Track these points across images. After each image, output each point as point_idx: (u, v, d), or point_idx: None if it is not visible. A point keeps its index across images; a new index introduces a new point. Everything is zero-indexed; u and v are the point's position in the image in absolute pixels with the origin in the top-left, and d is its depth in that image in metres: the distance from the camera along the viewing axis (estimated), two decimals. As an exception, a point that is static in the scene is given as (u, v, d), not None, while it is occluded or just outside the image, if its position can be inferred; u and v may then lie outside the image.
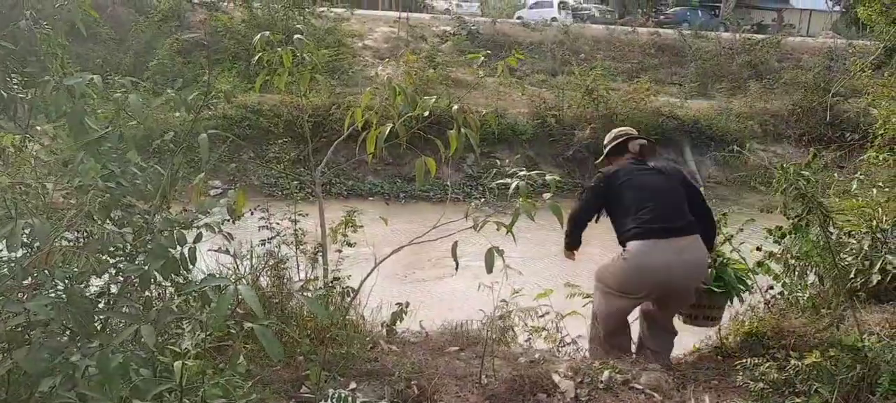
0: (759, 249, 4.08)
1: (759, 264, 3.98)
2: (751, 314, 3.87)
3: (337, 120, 11.66)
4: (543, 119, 13.66)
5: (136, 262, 1.90)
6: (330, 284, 3.56)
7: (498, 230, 2.49)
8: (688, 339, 3.95)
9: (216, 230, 2.12)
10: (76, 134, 2.00)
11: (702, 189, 5.52)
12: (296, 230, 3.90)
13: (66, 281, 1.76)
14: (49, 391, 1.55)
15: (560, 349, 3.84)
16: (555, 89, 14.72)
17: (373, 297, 3.63)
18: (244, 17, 16.19)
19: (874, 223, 4.19)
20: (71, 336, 1.80)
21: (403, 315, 3.72)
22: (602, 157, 3.89)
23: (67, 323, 1.76)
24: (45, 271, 1.72)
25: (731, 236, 4.02)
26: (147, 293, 2.08)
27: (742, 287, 3.73)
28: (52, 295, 1.73)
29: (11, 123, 2.16)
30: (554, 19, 23.07)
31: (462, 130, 2.57)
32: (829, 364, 2.82)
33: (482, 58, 3.17)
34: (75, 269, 1.80)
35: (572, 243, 3.72)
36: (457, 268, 2.58)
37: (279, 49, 3.13)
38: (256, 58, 3.14)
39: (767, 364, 2.97)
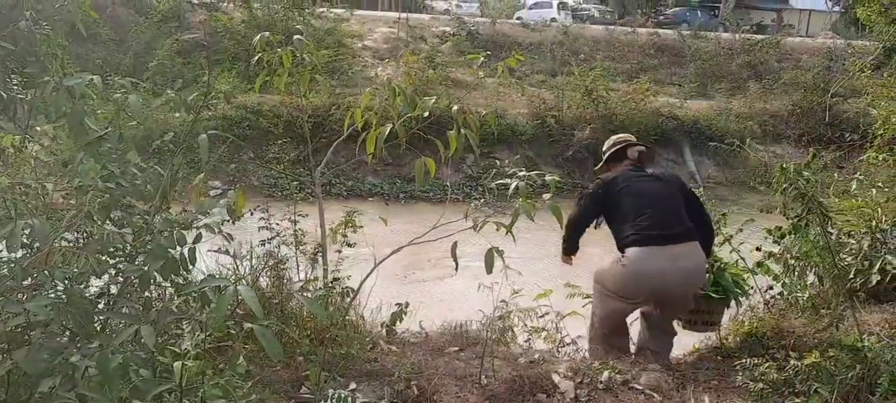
0: (758, 249, 4.08)
1: (759, 264, 3.99)
2: (750, 314, 3.87)
3: (337, 120, 11.67)
4: (543, 119, 13.66)
5: (136, 263, 1.89)
6: (330, 284, 3.56)
7: (497, 230, 2.49)
8: (687, 339, 3.95)
9: (216, 230, 2.11)
10: (76, 134, 2.00)
11: (701, 189, 5.52)
12: (295, 230, 3.90)
13: (66, 282, 1.76)
14: (49, 391, 1.55)
15: (560, 349, 3.84)
16: (554, 90, 14.72)
17: (373, 298, 3.64)
18: (244, 17, 16.20)
19: (873, 223, 4.19)
20: (71, 336, 1.80)
21: (403, 315, 3.72)
22: (601, 164, 3.90)
23: (67, 323, 1.76)
24: (45, 271, 1.71)
25: (731, 236, 4.03)
26: (147, 293, 2.08)
27: (739, 291, 3.75)
28: (52, 295, 1.73)
29: (11, 124, 2.16)
30: (553, 20, 23.10)
31: (462, 131, 2.58)
32: (829, 364, 2.82)
33: (482, 58, 3.17)
34: (75, 270, 1.80)
35: (570, 248, 3.73)
36: (456, 269, 2.58)
37: (279, 49, 3.13)
38: (256, 58, 3.13)
39: (767, 365, 2.97)
